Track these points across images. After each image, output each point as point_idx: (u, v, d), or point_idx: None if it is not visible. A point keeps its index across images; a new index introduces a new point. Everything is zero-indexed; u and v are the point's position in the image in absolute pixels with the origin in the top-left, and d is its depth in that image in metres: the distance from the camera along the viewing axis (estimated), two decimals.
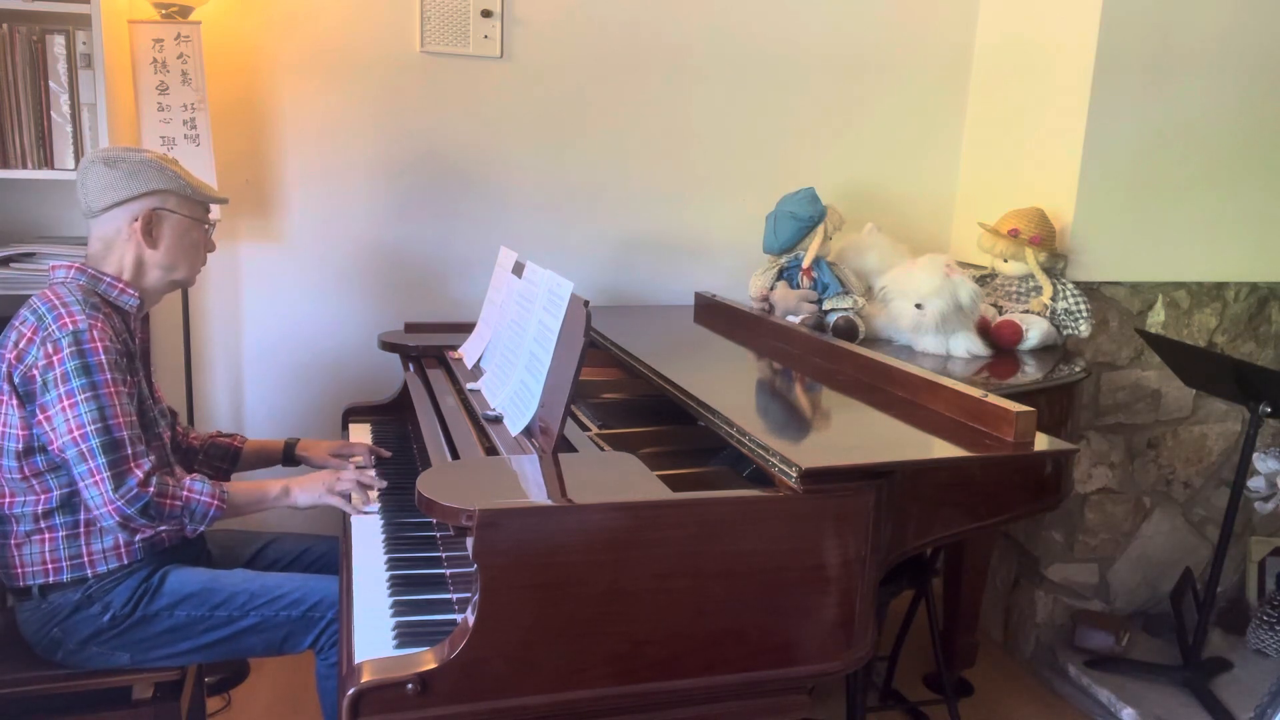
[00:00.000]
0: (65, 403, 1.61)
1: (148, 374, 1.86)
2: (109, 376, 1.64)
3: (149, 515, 1.65)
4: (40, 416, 1.64)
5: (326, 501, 1.85)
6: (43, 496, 1.69)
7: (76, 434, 1.61)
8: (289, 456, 2.16)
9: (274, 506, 1.84)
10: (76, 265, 1.75)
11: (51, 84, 2.26)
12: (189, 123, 2.42)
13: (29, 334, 1.65)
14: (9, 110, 2.24)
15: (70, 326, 1.63)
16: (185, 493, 1.70)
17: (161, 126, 2.41)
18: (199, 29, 2.41)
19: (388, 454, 2.13)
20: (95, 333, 1.64)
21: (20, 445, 1.67)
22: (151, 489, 1.64)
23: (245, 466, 2.14)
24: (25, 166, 2.27)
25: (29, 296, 2.09)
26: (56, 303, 1.66)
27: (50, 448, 1.65)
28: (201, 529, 1.75)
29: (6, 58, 2.23)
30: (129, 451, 1.64)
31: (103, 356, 1.64)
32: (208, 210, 1.87)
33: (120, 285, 1.76)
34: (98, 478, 1.62)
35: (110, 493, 1.62)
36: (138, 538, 1.73)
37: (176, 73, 2.40)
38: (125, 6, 2.46)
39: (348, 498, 1.85)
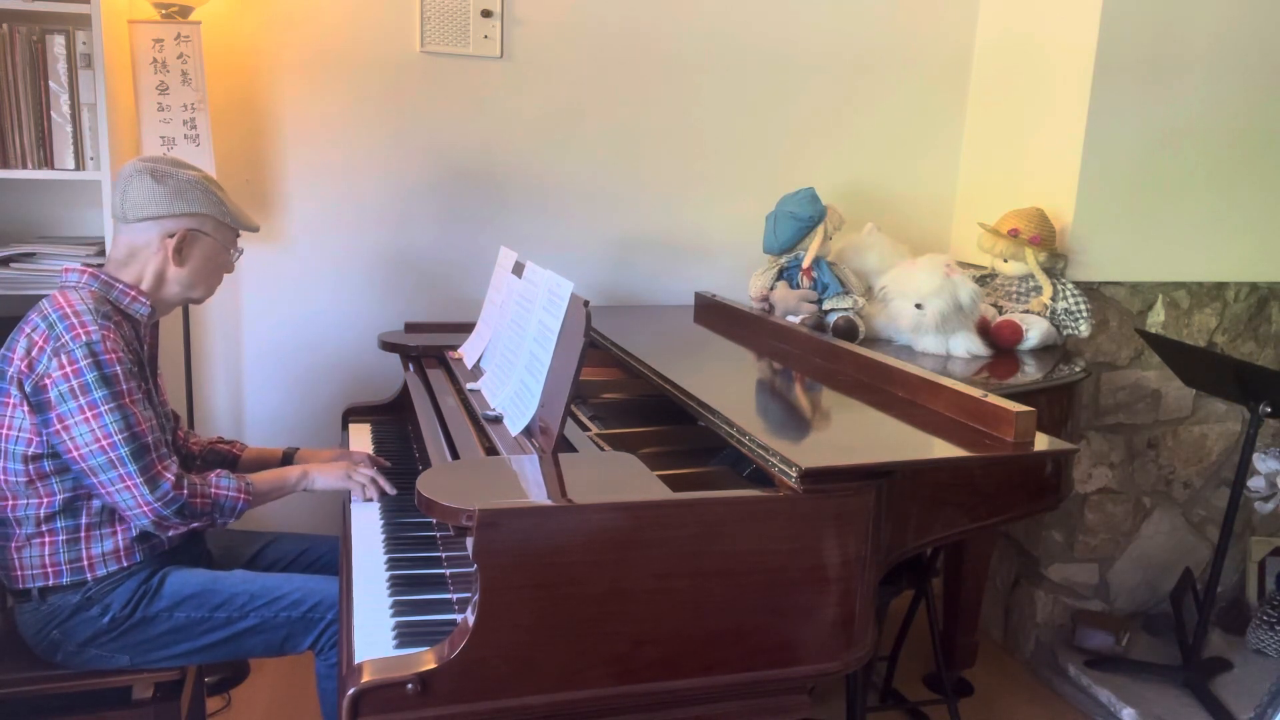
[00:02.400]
0: (88, 413, 1.62)
1: (155, 381, 1.87)
2: (126, 386, 1.65)
3: (183, 515, 1.69)
4: (57, 426, 1.63)
5: (343, 485, 1.91)
6: (45, 500, 1.69)
7: (104, 443, 1.62)
8: (286, 465, 2.15)
9: (295, 491, 1.89)
10: (90, 270, 1.74)
11: (51, 84, 2.26)
12: (189, 123, 2.42)
13: (40, 341, 1.65)
14: (9, 110, 2.24)
15: (84, 337, 1.63)
16: (214, 490, 1.74)
17: (161, 126, 2.41)
18: (199, 29, 2.41)
19: (387, 464, 2.12)
20: (108, 343, 1.65)
21: (29, 449, 1.67)
22: (185, 490, 1.68)
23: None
24: (25, 166, 2.27)
25: (29, 296, 2.10)
26: (68, 310, 1.66)
27: (67, 456, 1.65)
28: (231, 522, 1.78)
29: (6, 58, 2.23)
30: (155, 456, 1.67)
31: (118, 367, 1.65)
32: (238, 235, 1.88)
33: (133, 293, 1.76)
34: (130, 483, 1.64)
35: (147, 496, 1.65)
36: (169, 534, 1.74)
37: (176, 73, 2.40)
38: (125, 6, 2.46)
39: (363, 486, 1.91)
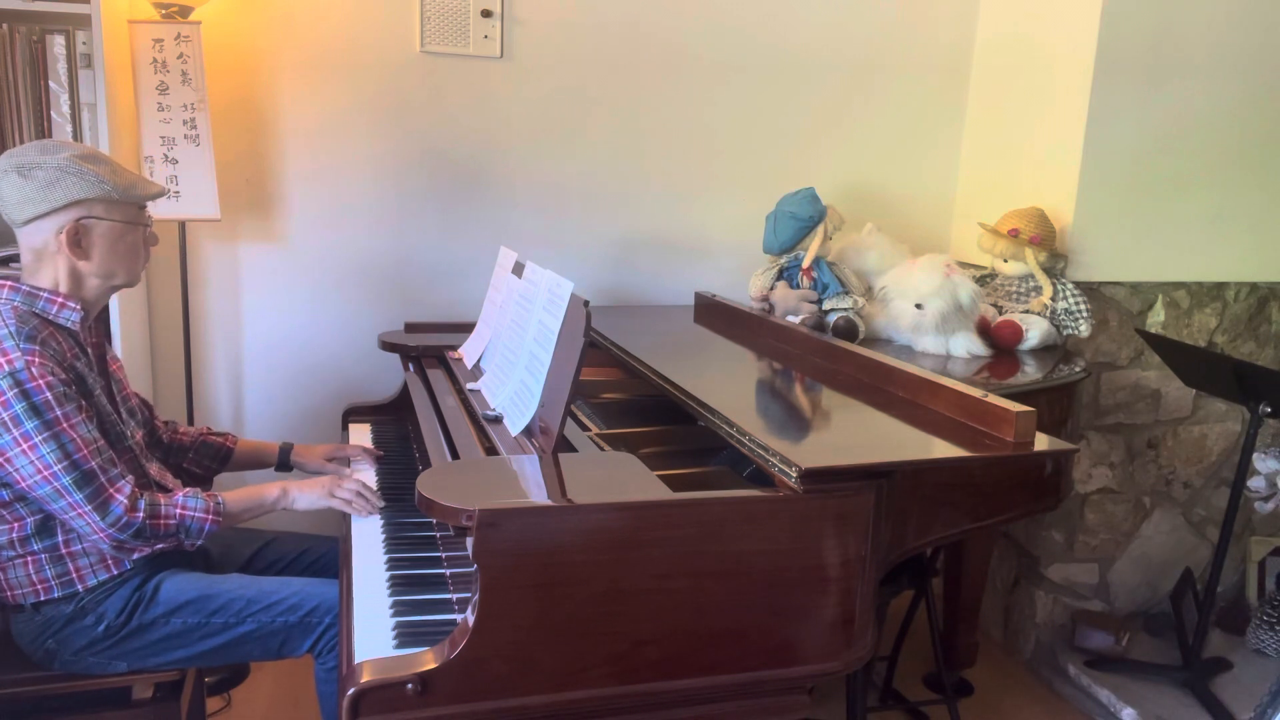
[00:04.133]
0: (23, 445, 1.55)
1: (106, 384, 1.77)
2: (59, 412, 1.56)
3: (143, 537, 1.63)
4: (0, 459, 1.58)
5: (325, 504, 1.84)
6: (15, 524, 1.65)
7: (45, 474, 1.55)
8: (283, 462, 2.12)
9: (273, 510, 1.82)
10: (9, 284, 1.64)
11: (51, 84, 2.26)
12: (189, 123, 2.42)
13: None
14: (9, 110, 2.24)
15: (6, 368, 1.54)
16: (179, 510, 1.67)
17: (161, 126, 2.41)
18: (199, 29, 2.41)
19: (381, 454, 2.12)
20: (34, 369, 1.55)
21: None
22: (141, 513, 1.61)
23: (237, 468, 2.10)
24: None
25: None
26: None
27: (18, 486, 1.59)
28: (200, 543, 1.72)
29: (6, 58, 2.23)
30: (104, 479, 1.59)
31: (48, 394, 1.55)
32: (142, 208, 1.73)
33: (59, 300, 1.65)
34: (80, 510, 1.58)
35: (99, 523, 1.58)
36: (134, 556, 1.69)
37: (176, 73, 2.40)
38: (125, 6, 2.45)
39: (348, 503, 1.84)
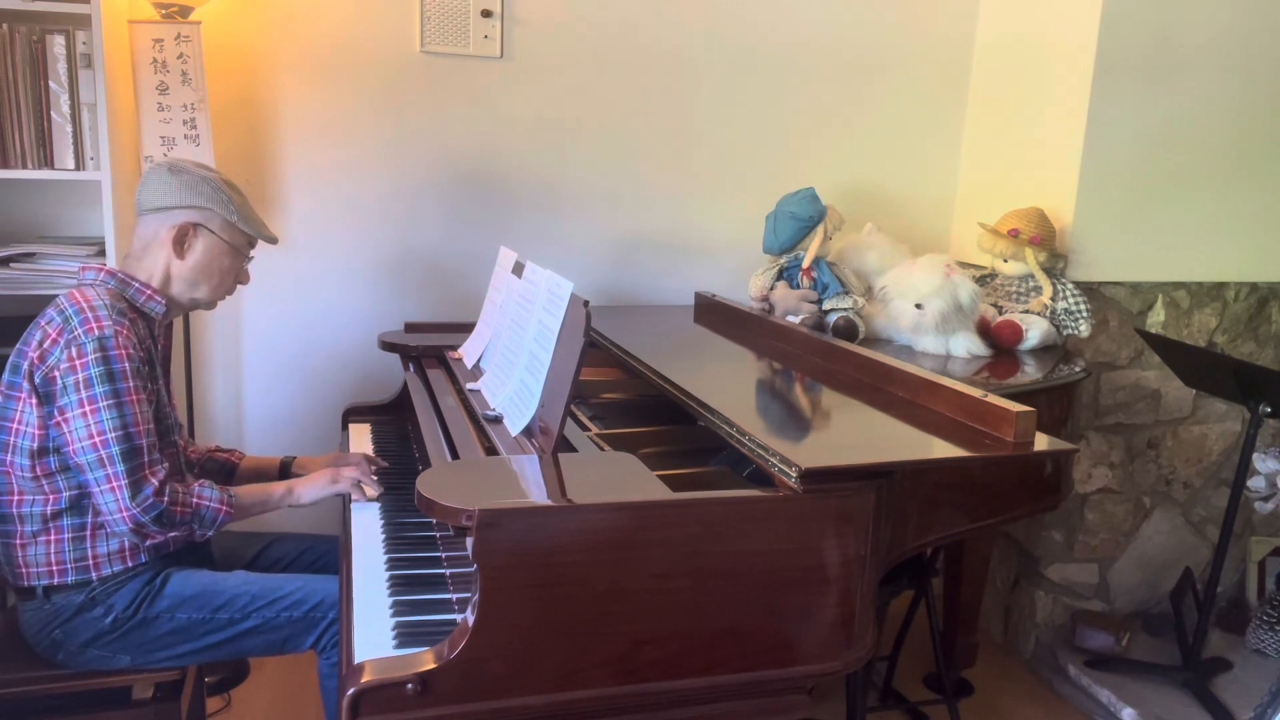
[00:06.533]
0: (86, 408, 1.62)
1: (166, 382, 1.86)
2: (131, 384, 1.65)
3: (161, 523, 1.67)
4: (58, 418, 1.64)
5: (329, 492, 1.88)
6: (52, 497, 1.70)
7: (97, 439, 1.62)
8: (284, 475, 2.13)
9: (279, 507, 1.86)
10: (107, 269, 1.77)
11: (51, 84, 2.26)
12: (189, 123, 2.42)
13: (54, 334, 1.66)
14: (9, 110, 2.24)
15: (96, 331, 1.64)
16: (195, 499, 1.71)
17: (161, 126, 2.41)
18: (199, 29, 2.41)
19: (385, 464, 2.10)
20: (120, 339, 1.65)
21: (35, 444, 1.67)
22: (165, 498, 1.66)
23: (240, 483, 2.10)
24: (25, 166, 2.27)
25: (29, 296, 2.09)
26: (84, 305, 1.67)
27: (65, 449, 1.65)
28: (210, 533, 1.76)
29: (6, 58, 2.23)
30: (146, 459, 1.66)
31: (126, 364, 1.65)
32: (252, 244, 1.88)
33: (149, 291, 1.78)
34: (115, 484, 1.63)
35: (126, 500, 1.63)
36: (147, 543, 1.73)
37: (176, 73, 2.40)
38: (125, 6, 2.45)
39: (355, 484, 1.89)
